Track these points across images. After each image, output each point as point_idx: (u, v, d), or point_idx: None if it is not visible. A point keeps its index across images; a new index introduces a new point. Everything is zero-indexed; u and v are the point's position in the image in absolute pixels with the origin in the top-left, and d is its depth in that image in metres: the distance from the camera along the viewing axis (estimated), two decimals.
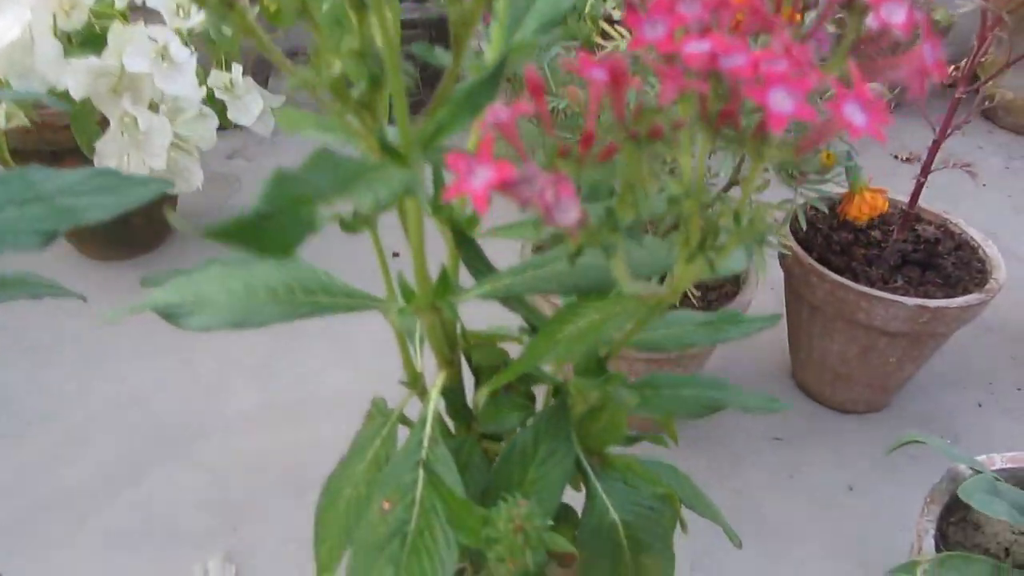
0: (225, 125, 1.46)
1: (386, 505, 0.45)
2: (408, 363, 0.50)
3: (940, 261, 1.28)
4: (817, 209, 1.37)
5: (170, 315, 0.44)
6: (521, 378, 0.48)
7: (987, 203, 2.05)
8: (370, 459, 0.49)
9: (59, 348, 1.44)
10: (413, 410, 0.53)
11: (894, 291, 1.20)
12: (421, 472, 0.45)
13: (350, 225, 0.41)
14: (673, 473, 0.61)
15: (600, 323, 0.40)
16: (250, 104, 1.48)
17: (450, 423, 0.53)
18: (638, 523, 0.49)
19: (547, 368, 0.47)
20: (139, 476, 1.19)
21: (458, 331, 0.49)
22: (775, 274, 1.40)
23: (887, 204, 1.02)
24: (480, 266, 0.44)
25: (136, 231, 1.63)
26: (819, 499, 1.21)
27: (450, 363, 0.47)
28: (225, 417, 1.32)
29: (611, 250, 0.36)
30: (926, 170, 1.22)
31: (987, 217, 1.96)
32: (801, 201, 0.98)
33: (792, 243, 1.25)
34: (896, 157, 2.23)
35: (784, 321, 1.40)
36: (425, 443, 0.46)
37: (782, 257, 1.28)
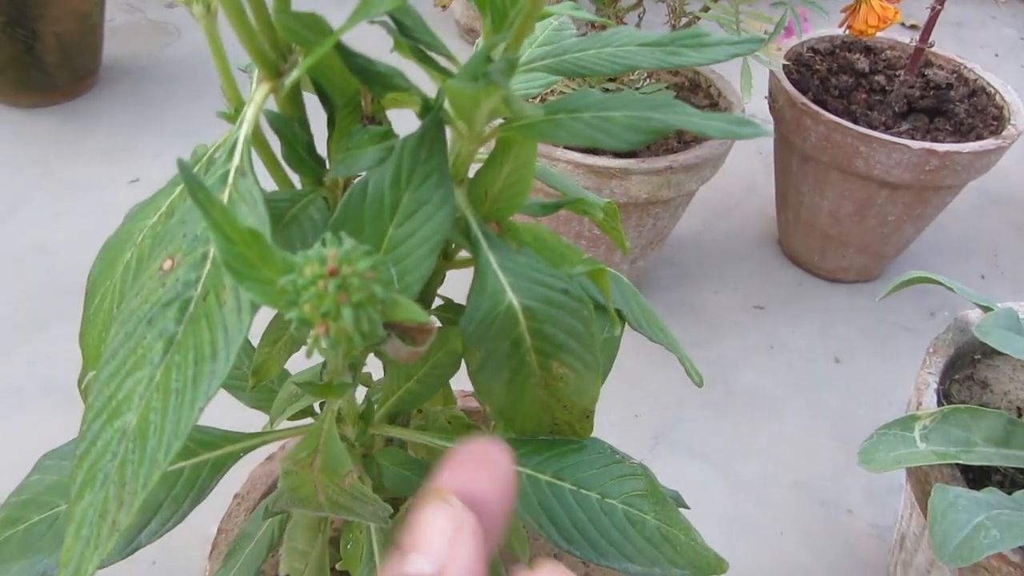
0: None
1: (167, 264, 0.30)
2: (227, 81, 0.35)
3: (951, 108, 1.12)
4: (816, 51, 1.20)
5: None
6: (377, 88, 0.32)
7: (999, 74, 1.88)
8: (164, 210, 0.35)
9: None
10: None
11: (898, 136, 1.04)
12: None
13: None
14: (615, 280, 0.47)
15: None
16: None
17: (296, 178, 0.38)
18: (547, 313, 0.35)
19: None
20: (39, 331, 1.05)
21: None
22: (763, 140, 1.24)
23: (898, 15, 0.86)
24: None
25: (52, 74, 1.44)
26: (801, 371, 1.09)
27: (275, 71, 0.32)
28: None
29: None
30: None
31: (1000, 82, 1.79)
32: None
33: (784, 81, 1.08)
34: (903, 24, 2.05)
35: (771, 182, 1.25)
36: (230, 178, 0.31)
37: (772, 102, 1.12)
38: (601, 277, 0.36)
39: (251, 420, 0.49)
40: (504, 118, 0.35)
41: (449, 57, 0.35)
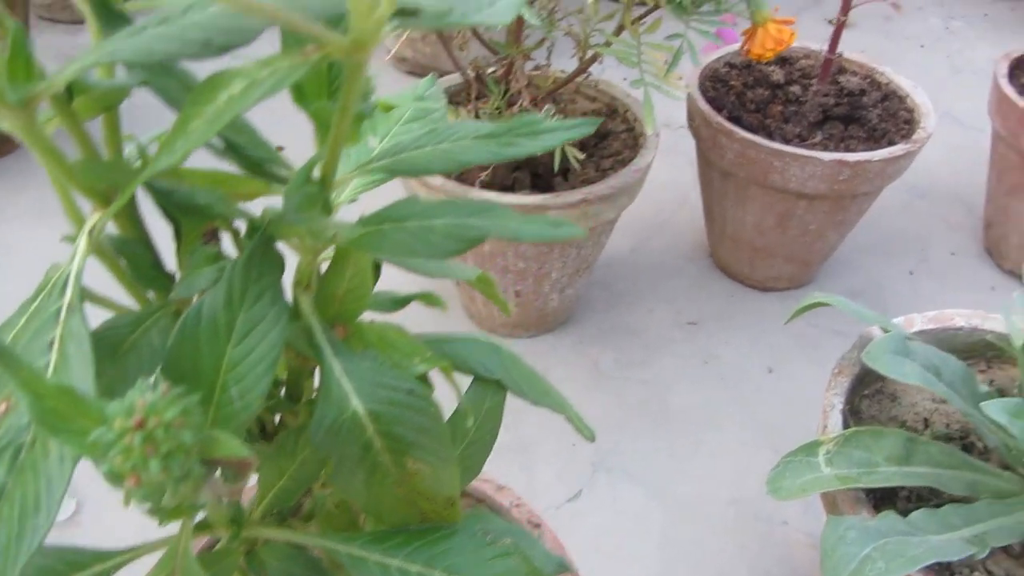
0: None
1: (2, 407, 0.31)
2: (68, 204, 0.35)
3: (864, 114, 1.15)
4: (732, 65, 1.22)
5: None
6: (197, 219, 0.33)
7: (926, 65, 1.92)
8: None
9: None
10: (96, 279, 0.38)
11: (812, 148, 1.07)
12: (54, 356, 0.31)
13: None
14: (495, 352, 0.48)
15: (245, 92, 0.25)
16: None
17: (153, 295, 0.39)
18: (393, 414, 0.35)
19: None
20: None
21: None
22: (693, 147, 1.25)
23: (794, 36, 0.88)
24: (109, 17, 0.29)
25: None
26: (735, 384, 1.11)
27: (105, 199, 0.33)
28: None
29: None
30: (846, 6, 1.07)
31: (927, 79, 1.82)
32: (692, 36, 0.83)
33: (700, 101, 1.10)
34: (830, 22, 2.08)
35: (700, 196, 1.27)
36: (62, 315, 0.32)
37: (690, 121, 1.14)
38: (448, 371, 0.37)
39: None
40: None
41: (285, 167, 0.36)
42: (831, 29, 1.12)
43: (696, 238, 1.33)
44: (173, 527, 0.39)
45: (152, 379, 0.31)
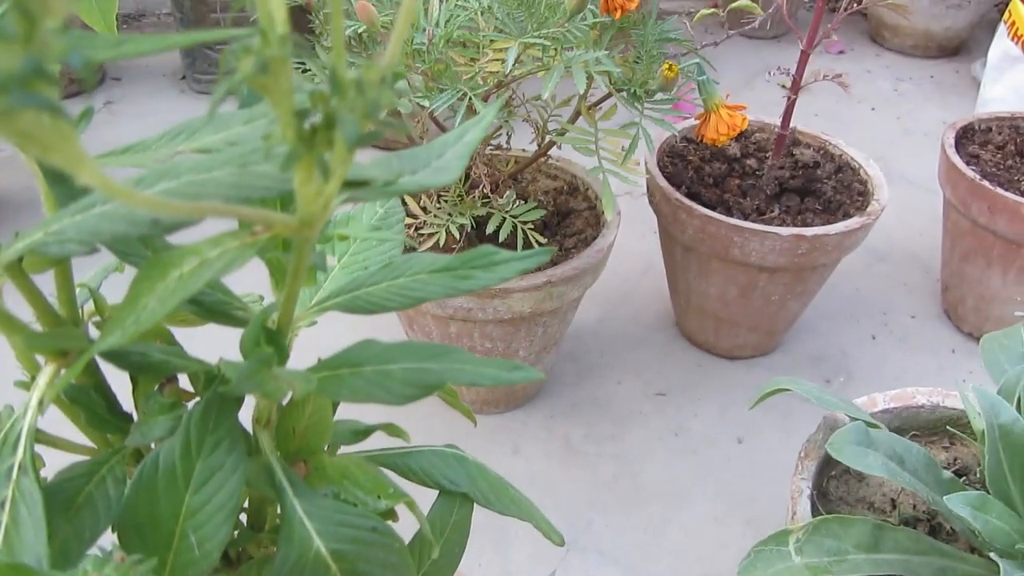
0: None
1: None
2: (20, 352, 0.35)
3: (819, 186, 1.18)
4: (689, 140, 1.25)
5: None
6: (152, 377, 0.33)
7: (877, 127, 1.98)
8: None
9: None
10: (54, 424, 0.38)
11: (769, 222, 1.09)
12: (5, 518, 0.31)
13: None
14: (460, 463, 0.48)
15: (191, 274, 0.26)
16: None
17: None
18: (357, 552, 0.35)
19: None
20: None
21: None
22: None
23: (746, 121, 0.90)
24: (62, 186, 0.29)
25: None
26: (706, 456, 1.11)
27: (59, 352, 0.33)
28: None
29: None
30: (796, 86, 1.10)
31: (878, 141, 1.88)
32: (646, 123, 0.85)
33: (659, 178, 1.12)
34: (784, 87, 2.14)
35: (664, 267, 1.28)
36: (14, 474, 0.31)
37: (651, 197, 1.16)
38: (412, 506, 0.37)
39: None
40: None
41: (242, 308, 0.36)
42: (782, 93, 1.15)
43: (661, 307, 1.35)
44: None
45: (110, 546, 0.30)
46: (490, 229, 0.91)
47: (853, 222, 1.07)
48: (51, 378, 0.33)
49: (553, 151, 1.06)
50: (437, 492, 0.48)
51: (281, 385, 0.30)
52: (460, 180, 0.96)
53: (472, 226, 0.95)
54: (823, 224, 1.08)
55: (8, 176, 1.61)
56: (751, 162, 1.22)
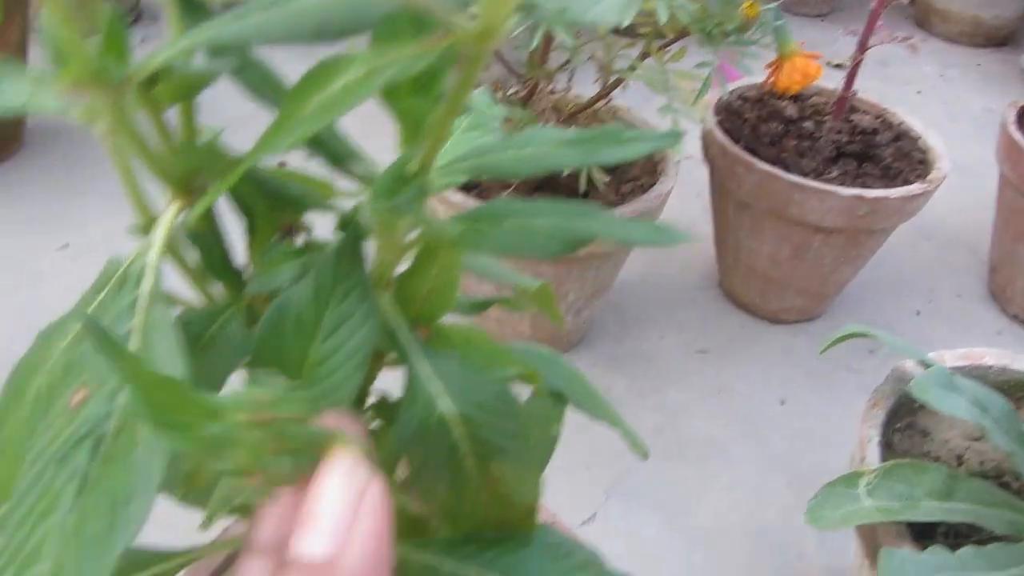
0: None
1: (77, 396, 0.29)
2: (135, 197, 0.34)
3: (878, 152, 1.15)
4: (745, 99, 1.23)
5: None
6: (289, 211, 0.32)
7: (922, 110, 1.94)
8: (75, 333, 0.34)
9: None
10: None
11: (829, 182, 1.07)
12: (134, 345, 0.29)
13: None
14: (552, 363, 0.47)
15: (364, 80, 0.24)
16: None
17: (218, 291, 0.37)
18: (482, 417, 0.34)
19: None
20: None
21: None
22: (702, 179, 1.25)
23: (820, 71, 0.88)
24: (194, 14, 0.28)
25: None
26: (748, 416, 1.10)
27: (185, 187, 0.32)
28: None
29: None
30: (863, 45, 1.08)
31: (924, 124, 1.85)
32: (718, 63, 0.83)
33: (717, 131, 1.10)
34: (828, 63, 2.11)
35: (710, 226, 1.27)
36: (141, 304, 0.30)
37: (706, 150, 1.14)
38: (535, 378, 0.36)
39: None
40: None
41: (365, 164, 0.35)
42: (833, 71, 1.13)
43: (705, 267, 1.33)
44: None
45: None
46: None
47: (915, 187, 1.05)
48: (174, 214, 0.32)
49: (608, 103, 1.04)
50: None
51: (431, 220, 0.28)
52: (526, 115, 0.94)
53: None
54: (882, 188, 1.06)
55: None
56: (808, 124, 1.20)
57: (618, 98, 0.97)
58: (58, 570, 0.26)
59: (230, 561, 0.66)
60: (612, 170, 1.05)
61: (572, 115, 1.00)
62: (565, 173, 0.90)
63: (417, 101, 0.33)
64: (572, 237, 0.31)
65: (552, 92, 1.04)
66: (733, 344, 1.20)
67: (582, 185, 0.92)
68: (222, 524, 0.54)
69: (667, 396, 1.11)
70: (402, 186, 0.30)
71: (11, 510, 0.28)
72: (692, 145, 1.15)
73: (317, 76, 0.26)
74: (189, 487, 0.39)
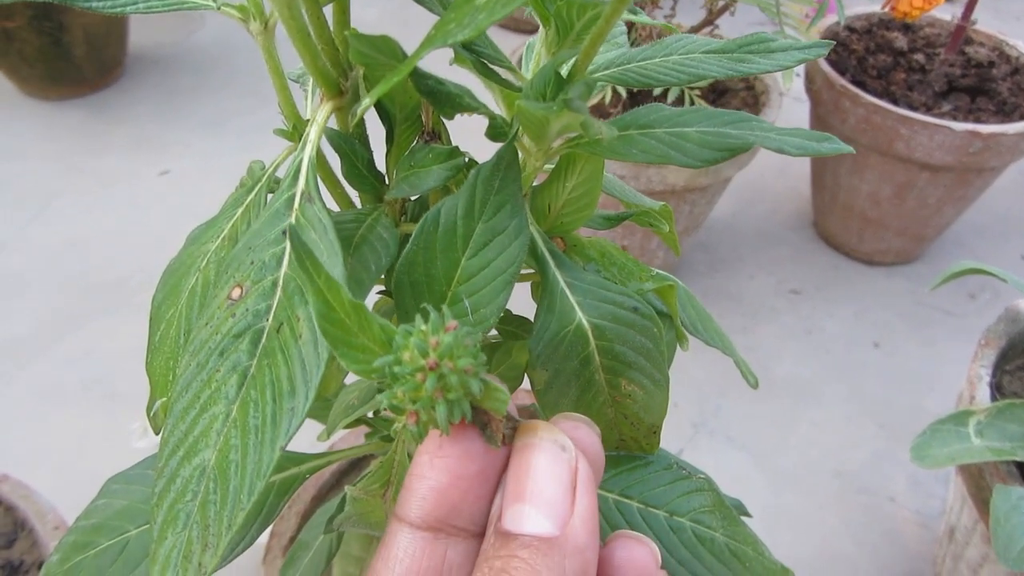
0: None
1: (236, 292, 0.30)
2: (286, 99, 0.34)
3: (994, 87, 1.10)
4: (852, 29, 1.18)
5: None
6: (447, 109, 0.32)
7: None
8: (227, 234, 0.34)
9: None
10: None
11: (940, 117, 1.02)
12: (288, 243, 0.30)
13: None
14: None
15: None
16: None
17: (355, 197, 0.38)
18: (616, 331, 0.34)
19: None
20: (76, 328, 1.06)
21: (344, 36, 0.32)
22: (798, 114, 1.22)
23: None
24: None
25: (80, 66, 1.44)
26: (840, 357, 1.08)
27: (337, 89, 0.32)
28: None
29: None
30: None
31: None
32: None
33: (822, 62, 1.06)
34: None
35: (803, 163, 1.23)
36: (296, 202, 0.31)
37: (809, 83, 1.10)
38: (670, 294, 0.35)
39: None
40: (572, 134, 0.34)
41: (511, 69, 0.35)
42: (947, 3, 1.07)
43: (797, 207, 1.30)
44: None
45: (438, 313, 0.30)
46: (657, 91, 0.88)
47: None
48: (327, 115, 0.32)
49: (713, 31, 1.01)
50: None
51: (594, 124, 0.28)
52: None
53: (633, 90, 0.91)
54: (999, 124, 1.01)
55: None
56: (919, 57, 1.14)
57: (723, 26, 0.94)
58: (223, 458, 0.27)
59: (351, 467, 0.68)
60: (712, 102, 1.03)
61: None
62: (670, 101, 0.88)
63: (569, 2, 0.33)
64: (725, 145, 0.30)
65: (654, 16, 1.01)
66: (826, 285, 1.18)
67: None
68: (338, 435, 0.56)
69: (756, 335, 1.09)
70: (560, 87, 0.29)
71: (174, 402, 0.29)
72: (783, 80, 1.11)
73: None
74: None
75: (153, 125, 1.41)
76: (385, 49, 0.28)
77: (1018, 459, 0.60)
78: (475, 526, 0.23)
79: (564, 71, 0.31)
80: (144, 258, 1.16)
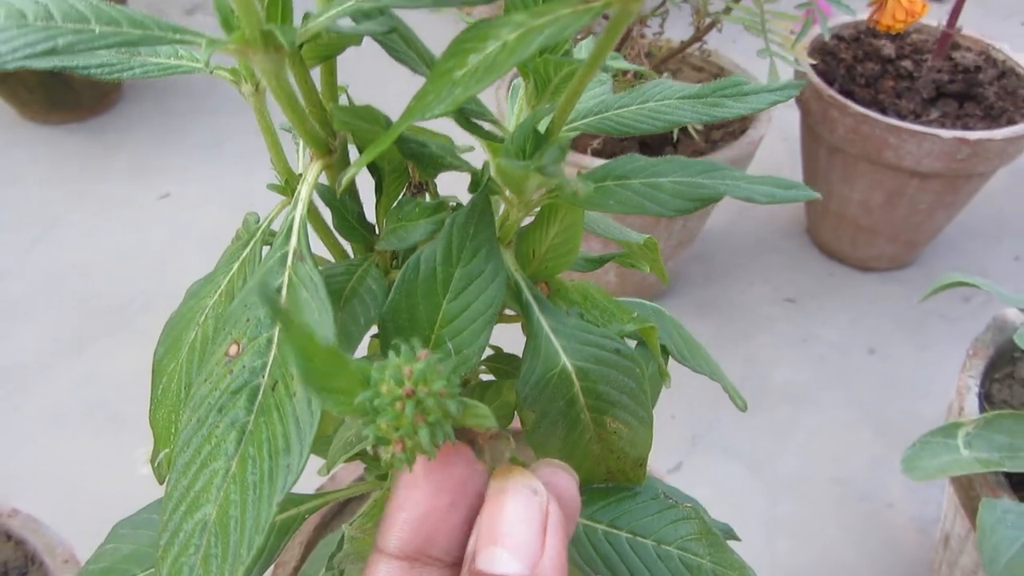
0: None
1: (233, 348, 0.31)
2: (278, 156, 0.35)
3: (981, 91, 1.11)
4: (840, 38, 1.19)
5: None
6: (429, 169, 0.33)
7: None
8: (224, 289, 0.36)
9: None
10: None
11: (928, 124, 1.03)
12: (283, 301, 0.31)
13: None
14: (657, 316, 0.47)
15: (516, 44, 0.25)
16: None
17: (347, 247, 0.39)
18: (599, 372, 0.35)
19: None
20: (78, 352, 1.07)
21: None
22: (789, 122, 1.23)
23: (926, 8, 0.85)
24: None
25: (78, 91, 1.46)
26: (836, 364, 1.09)
27: (325, 149, 0.33)
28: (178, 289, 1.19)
29: None
30: None
31: None
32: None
33: (810, 73, 1.07)
34: None
35: (796, 169, 1.24)
36: (289, 261, 0.32)
37: (798, 94, 1.11)
38: (651, 335, 0.37)
39: None
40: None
41: (494, 122, 0.36)
42: (934, 7, 1.08)
43: (791, 214, 1.31)
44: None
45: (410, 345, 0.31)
46: None
47: (1021, 128, 1.01)
48: (317, 174, 0.34)
49: (701, 46, 1.02)
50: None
51: (569, 183, 0.29)
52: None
53: None
54: (985, 129, 1.02)
55: None
56: (907, 64, 1.16)
57: (710, 42, 0.95)
58: (223, 513, 0.29)
59: (344, 505, 0.69)
60: None
61: (663, 60, 0.98)
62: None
63: (546, 59, 0.34)
64: (697, 195, 0.32)
65: (643, 37, 1.03)
66: (821, 292, 1.19)
67: (675, 132, 0.91)
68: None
69: (753, 344, 1.11)
70: (537, 144, 0.31)
71: (176, 456, 0.31)
72: None
73: (469, 39, 0.27)
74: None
75: (152, 149, 1.43)
76: (368, 117, 0.29)
77: (1006, 469, 0.61)
78: (449, 556, 0.24)
79: (543, 126, 0.33)
80: (146, 282, 1.18)
